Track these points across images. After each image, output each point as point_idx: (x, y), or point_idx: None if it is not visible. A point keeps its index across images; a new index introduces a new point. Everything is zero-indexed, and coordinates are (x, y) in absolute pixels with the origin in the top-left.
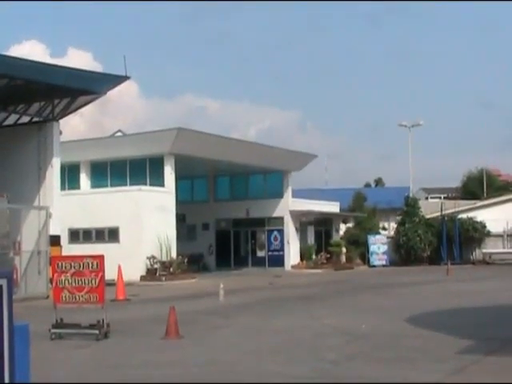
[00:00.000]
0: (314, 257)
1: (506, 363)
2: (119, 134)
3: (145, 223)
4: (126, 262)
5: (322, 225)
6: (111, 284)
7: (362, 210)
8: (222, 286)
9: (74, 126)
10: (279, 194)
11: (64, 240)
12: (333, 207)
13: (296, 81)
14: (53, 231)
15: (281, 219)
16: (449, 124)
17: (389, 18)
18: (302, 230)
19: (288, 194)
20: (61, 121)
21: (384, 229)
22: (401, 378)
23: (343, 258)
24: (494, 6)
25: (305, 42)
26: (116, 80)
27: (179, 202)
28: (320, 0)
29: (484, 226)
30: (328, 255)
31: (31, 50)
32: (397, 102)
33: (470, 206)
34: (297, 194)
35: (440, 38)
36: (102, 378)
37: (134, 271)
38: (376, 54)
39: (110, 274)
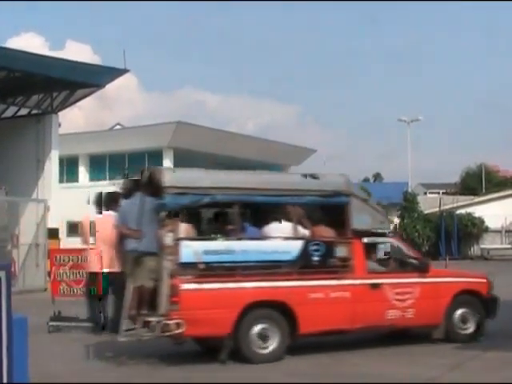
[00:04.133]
0: None
1: (505, 359)
2: (118, 127)
3: None
4: None
5: None
6: None
7: None
8: None
9: (73, 118)
10: None
11: (62, 233)
12: None
13: (296, 76)
14: (51, 224)
15: None
16: (448, 121)
17: (389, 14)
18: None
19: None
20: (60, 113)
21: None
22: (399, 373)
23: None
24: (496, 5)
25: (305, 39)
26: (115, 73)
27: None
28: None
29: (482, 222)
30: None
31: (30, 43)
32: (396, 99)
33: (469, 202)
34: None
35: (441, 37)
36: (99, 372)
37: None
38: (376, 51)
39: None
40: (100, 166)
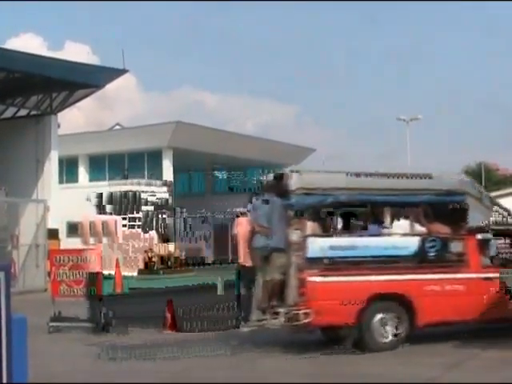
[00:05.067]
0: None
1: (504, 358)
2: (117, 127)
3: (142, 217)
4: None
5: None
6: (109, 277)
7: None
8: (219, 279)
9: (72, 119)
10: None
11: (62, 233)
12: None
13: (295, 75)
14: (51, 224)
15: None
16: (447, 120)
17: (389, 14)
18: None
19: None
20: (59, 114)
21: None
22: (399, 372)
23: None
24: (497, 4)
25: (304, 39)
26: (114, 73)
27: (177, 196)
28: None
29: None
30: None
31: (28, 43)
32: (396, 98)
33: None
34: None
35: (441, 37)
36: (99, 372)
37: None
38: (376, 51)
39: (108, 267)
40: (99, 166)
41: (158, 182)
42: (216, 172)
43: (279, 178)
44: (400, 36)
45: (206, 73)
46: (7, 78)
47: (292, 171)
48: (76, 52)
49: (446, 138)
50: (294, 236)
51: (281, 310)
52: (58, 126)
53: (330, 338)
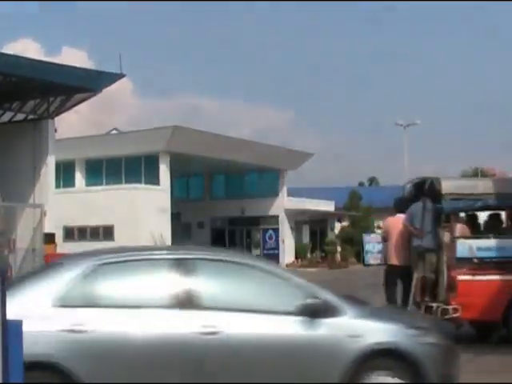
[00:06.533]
0: (308, 255)
1: (500, 362)
2: (114, 131)
3: (140, 222)
4: None
5: (317, 223)
6: None
7: (358, 209)
8: None
9: (69, 123)
10: (275, 193)
11: (59, 238)
12: (328, 206)
13: (293, 79)
14: (47, 229)
15: (276, 218)
16: (445, 124)
17: (388, 16)
18: (297, 228)
19: (283, 192)
20: (56, 118)
21: (379, 228)
22: None
23: (338, 257)
24: (496, 5)
25: (303, 41)
26: (111, 78)
27: (174, 200)
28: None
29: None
30: (323, 254)
31: (25, 49)
32: (394, 101)
33: None
34: (295, 193)
35: (440, 38)
36: None
37: None
38: (376, 50)
39: None
40: (96, 170)
41: (156, 187)
42: (214, 177)
43: (430, 183)
44: (400, 36)
45: (203, 76)
46: (4, 82)
47: (442, 177)
48: (73, 57)
49: (444, 142)
50: (445, 237)
51: (433, 304)
52: (55, 131)
53: (481, 332)
